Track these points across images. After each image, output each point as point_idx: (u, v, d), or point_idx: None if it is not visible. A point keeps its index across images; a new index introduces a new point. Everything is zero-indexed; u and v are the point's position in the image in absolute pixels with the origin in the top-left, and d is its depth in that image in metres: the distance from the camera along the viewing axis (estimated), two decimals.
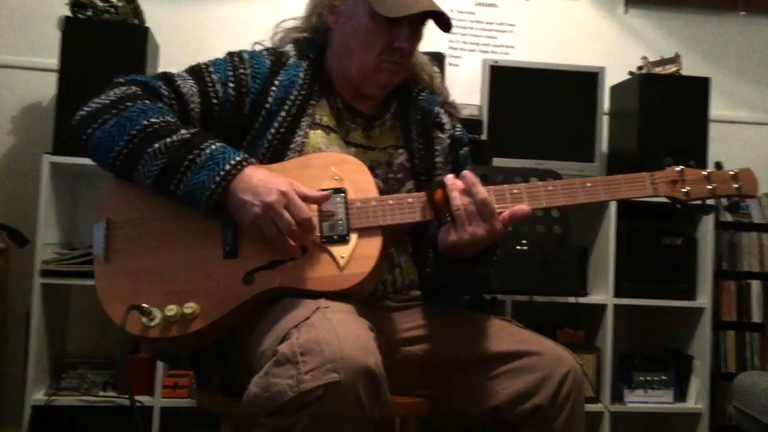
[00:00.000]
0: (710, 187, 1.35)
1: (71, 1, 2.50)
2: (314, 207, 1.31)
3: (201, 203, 1.28)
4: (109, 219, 1.36)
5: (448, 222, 1.31)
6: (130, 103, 1.33)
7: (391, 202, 1.33)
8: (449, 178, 1.32)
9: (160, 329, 1.28)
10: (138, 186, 1.33)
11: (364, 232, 1.31)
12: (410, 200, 1.34)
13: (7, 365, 2.62)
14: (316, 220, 1.29)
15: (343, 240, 1.30)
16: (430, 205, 1.32)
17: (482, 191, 1.28)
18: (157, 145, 1.28)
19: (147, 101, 1.34)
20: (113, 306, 1.30)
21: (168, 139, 1.29)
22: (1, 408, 2.65)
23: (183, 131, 1.30)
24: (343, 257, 1.29)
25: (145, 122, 1.30)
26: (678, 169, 1.36)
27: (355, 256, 1.29)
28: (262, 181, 1.26)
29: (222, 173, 1.26)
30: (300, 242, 1.27)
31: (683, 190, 1.35)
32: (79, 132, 1.35)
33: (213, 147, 1.29)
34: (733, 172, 1.36)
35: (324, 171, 1.35)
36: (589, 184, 1.34)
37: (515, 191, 1.33)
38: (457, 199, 1.28)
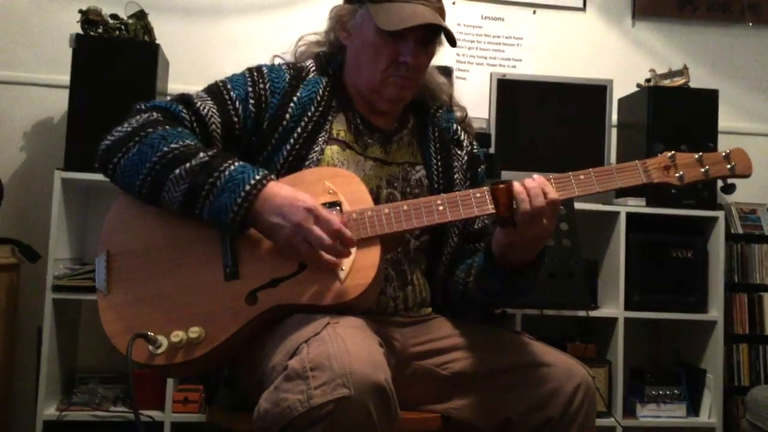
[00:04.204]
0: (703, 169, 1.33)
1: (82, 19, 2.53)
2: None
3: (227, 225, 1.29)
4: (109, 251, 1.36)
5: (509, 223, 1.29)
6: (150, 130, 1.33)
7: (387, 211, 1.33)
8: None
9: (166, 356, 1.27)
10: (165, 211, 1.33)
11: (363, 242, 1.31)
12: (405, 208, 1.34)
13: (19, 380, 2.63)
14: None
15: None
16: (499, 204, 1.29)
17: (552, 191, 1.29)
18: (177, 171, 1.29)
19: (167, 127, 1.35)
20: (119, 337, 1.29)
21: (188, 164, 1.29)
22: (12, 423, 2.65)
23: (202, 154, 1.30)
24: (343, 269, 1.28)
25: (165, 149, 1.30)
26: (669, 154, 1.34)
27: (356, 268, 1.29)
28: (287, 200, 1.27)
29: (243, 194, 1.27)
30: (337, 255, 1.27)
31: (676, 174, 1.33)
32: (105, 162, 1.36)
33: (232, 168, 1.29)
34: (725, 153, 1.34)
35: (317, 186, 1.34)
36: (582, 177, 1.33)
37: None
38: (526, 202, 1.27)
